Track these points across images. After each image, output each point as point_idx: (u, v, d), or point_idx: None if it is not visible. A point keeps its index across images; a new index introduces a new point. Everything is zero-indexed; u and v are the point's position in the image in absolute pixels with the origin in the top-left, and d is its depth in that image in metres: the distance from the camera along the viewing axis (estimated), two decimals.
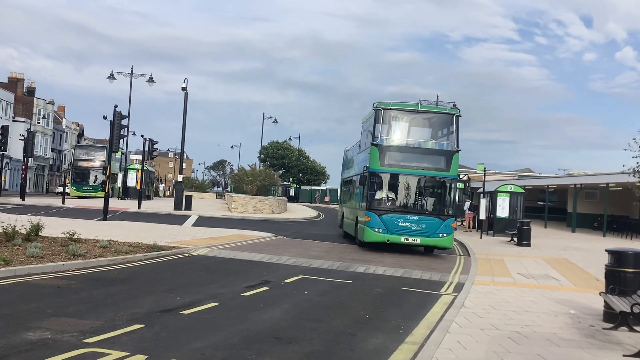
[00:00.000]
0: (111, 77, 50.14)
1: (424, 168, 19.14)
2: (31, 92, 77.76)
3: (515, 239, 25.35)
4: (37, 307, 8.49)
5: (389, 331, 8.55)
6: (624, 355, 7.37)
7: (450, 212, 19.15)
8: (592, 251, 23.24)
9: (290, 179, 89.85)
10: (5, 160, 47.74)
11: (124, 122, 26.55)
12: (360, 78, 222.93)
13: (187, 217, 31.86)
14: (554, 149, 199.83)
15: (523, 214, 30.00)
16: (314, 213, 47.08)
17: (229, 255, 16.14)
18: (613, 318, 8.89)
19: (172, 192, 75.18)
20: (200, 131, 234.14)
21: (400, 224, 18.62)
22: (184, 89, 37.30)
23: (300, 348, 7.31)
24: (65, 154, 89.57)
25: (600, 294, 9.68)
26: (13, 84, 73.76)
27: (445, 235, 18.75)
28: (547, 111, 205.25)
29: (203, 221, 29.06)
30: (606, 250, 9.79)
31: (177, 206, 36.46)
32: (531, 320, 9.39)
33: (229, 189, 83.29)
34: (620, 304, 8.50)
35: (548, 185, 44.52)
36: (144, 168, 43.87)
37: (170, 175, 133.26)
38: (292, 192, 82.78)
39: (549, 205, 44.31)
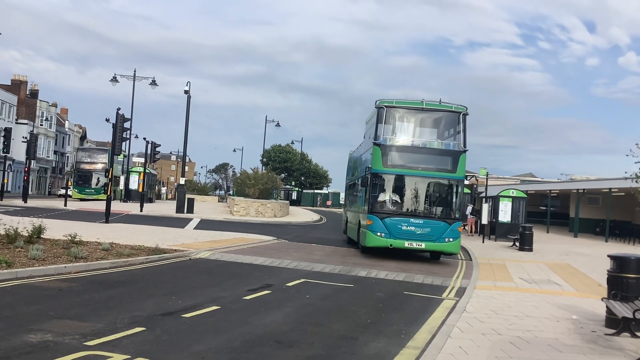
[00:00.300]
0: (114, 80, 50.29)
1: (429, 169, 18.20)
2: (34, 94, 77.99)
3: (517, 243, 25.31)
4: (39, 310, 8.49)
5: (390, 335, 8.54)
6: None
7: (457, 215, 18.27)
8: (594, 256, 23.20)
9: (293, 183, 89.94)
10: (7, 163, 47.84)
11: (127, 125, 26.66)
12: (363, 82, 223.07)
13: (189, 220, 31.88)
14: (556, 153, 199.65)
15: (525, 219, 29.96)
16: (316, 217, 47.07)
17: (231, 258, 16.14)
18: (615, 324, 8.87)
19: (174, 195, 75.30)
20: (202, 134, 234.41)
21: (404, 227, 17.74)
22: (186, 92, 37.36)
23: (302, 352, 7.30)
24: (67, 157, 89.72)
25: (602, 299, 9.66)
26: (16, 86, 73.98)
27: (451, 240, 17.87)
28: (550, 116, 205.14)
29: (205, 224, 29.08)
30: (608, 256, 9.77)
31: (179, 209, 36.49)
32: (533, 325, 9.37)
33: (231, 192, 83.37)
34: (623, 310, 8.48)
35: (550, 190, 44.48)
36: (146, 171, 43.88)
37: (172, 178, 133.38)
38: (294, 196, 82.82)
39: (551, 210, 44.23)
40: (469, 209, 35.69)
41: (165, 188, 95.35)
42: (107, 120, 58.08)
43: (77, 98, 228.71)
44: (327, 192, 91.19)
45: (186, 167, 41.56)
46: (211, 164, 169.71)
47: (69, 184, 51.03)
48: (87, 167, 52.87)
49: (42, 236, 15.36)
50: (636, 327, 8.05)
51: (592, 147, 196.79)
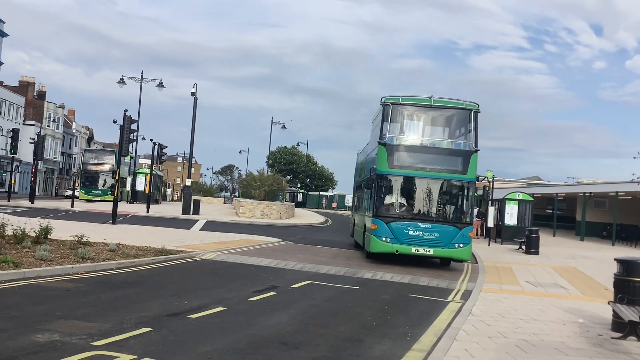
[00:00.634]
0: (121, 81, 50.49)
1: (437, 170, 17.09)
2: (42, 95, 78.34)
3: (523, 247, 25.25)
4: (46, 310, 8.54)
5: (395, 338, 8.54)
6: None
7: (467, 219, 17.20)
8: (600, 260, 23.12)
9: (298, 185, 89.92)
10: (15, 163, 48.05)
11: (134, 126, 26.72)
12: (368, 84, 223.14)
13: (195, 221, 31.95)
14: (563, 157, 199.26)
15: (532, 222, 29.89)
16: (321, 219, 47.08)
17: (237, 260, 16.17)
18: (622, 327, 8.85)
19: (180, 196, 75.46)
20: (208, 136, 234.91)
21: (411, 232, 16.68)
22: (193, 94, 37.46)
23: (307, 354, 7.32)
24: (74, 158, 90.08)
25: (608, 303, 9.63)
26: (24, 87, 74.29)
27: (462, 245, 16.74)
28: (557, 119, 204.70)
29: (211, 226, 29.13)
30: (615, 259, 9.75)
31: (185, 210, 36.57)
32: (539, 328, 9.35)
33: (236, 193, 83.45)
34: (629, 314, 8.46)
35: (557, 194, 44.34)
36: (153, 172, 44.01)
37: (178, 180, 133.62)
38: (299, 198, 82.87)
39: (557, 214, 44.12)
40: (475, 211, 35.63)
41: (171, 189, 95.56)
42: (115, 121, 58.17)
43: (84, 99, 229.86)
44: (332, 194, 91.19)
45: (192, 169, 41.62)
46: (217, 166, 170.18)
47: (76, 185, 51.20)
48: (93, 168, 53.06)
49: (49, 237, 15.43)
50: None
51: (599, 151, 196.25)
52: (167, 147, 41.62)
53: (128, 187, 53.67)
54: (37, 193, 47.45)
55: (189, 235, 22.20)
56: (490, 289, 13.42)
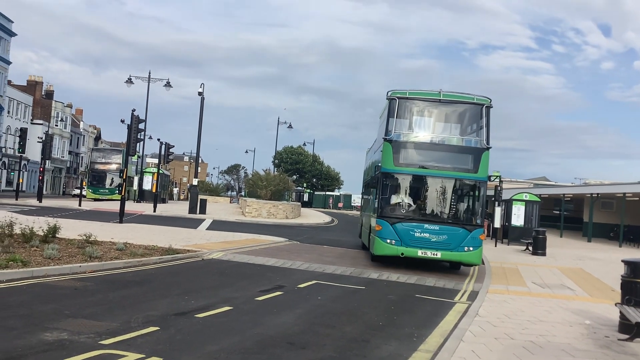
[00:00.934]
0: (129, 81, 50.65)
1: (446, 168, 16.12)
2: (49, 95, 78.71)
3: (530, 247, 25.19)
4: (54, 308, 8.59)
5: (402, 338, 8.55)
6: None
7: (478, 221, 16.11)
8: (607, 261, 23.04)
9: (304, 184, 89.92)
10: (23, 162, 48.27)
11: (141, 126, 26.81)
12: (374, 84, 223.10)
13: (201, 220, 32.02)
14: (570, 157, 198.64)
15: (538, 223, 29.80)
16: (327, 218, 47.08)
17: (243, 259, 16.20)
18: (629, 329, 8.83)
19: (186, 195, 75.61)
20: (215, 135, 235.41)
21: (417, 234, 15.70)
22: (200, 93, 37.53)
23: (314, 354, 7.34)
24: (82, 157, 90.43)
25: (615, 304, 9.61)
26: (32, 87, 74.68)
27: (471, 248, 15.69)
28: (564, 119, 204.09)
29: (217, 225, 29.19)
30: (622, 261, 9.72)
31: (192, 210, 36.65)
32: (546, 330, 9.34)
33: (242, 193, 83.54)
34: (636, 315, 8.44)
35: (564, 194, 44.20)
36: (160, 171, 44.13)
37: (185, 179, 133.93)
38: (305, 198, 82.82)
39: (564, 215, 43.97)
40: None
41: (177, 189, 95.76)
42: (122, 121, 58.45)
43: (91, 99, 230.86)
44: (338, 194, 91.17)
45: (199, 168, 41.71)
46: (223, 165, 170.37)
47: (84, 184, 51.37)
48: (101, 167, 53.25)
49: (57, 236, 15.51)
50: None
51: (606, 151, 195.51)
52: (174, 146, 41.75)
53: (135, 187, 53.85)
54: (44, 192, 47.67)
55: (196, 235, 22.25)
56: (497, 290, 13.40)
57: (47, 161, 48.46)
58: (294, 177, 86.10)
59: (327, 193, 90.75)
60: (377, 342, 8.22)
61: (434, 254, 15.71)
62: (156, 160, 51.97)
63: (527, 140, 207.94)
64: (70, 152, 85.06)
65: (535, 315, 10.60)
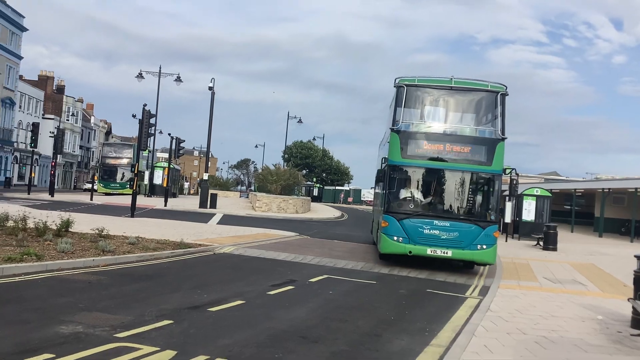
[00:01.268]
0: (140, 76, 50.79)
1: (458, 160, 15.06)
2: (60, 90, 79.06)
3: (541, 243, 25.12)
4: (69, 302, 8.68)
5: (414, 333, 8.57)
6: None
7: (492, 217, 15.05)
8: (619, 256, 22.93)
9: (314, 179, 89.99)
10: (35, 157, 48.59)
11: (152, 121, 26.92)
12: (384, 79, 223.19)
13: (212, 215, 32.14)
14: (581, 152, 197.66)
15: (549, 218, 29.68)
16: (337, 213, 47.12)
17: (254, 253, 16.27)
18: None
19: (196, 190, 75.90)
20: (224, 130, 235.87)
21: (426, 231, 14.74)
22: (211, 88, 37.59)
23: (326, 348, 7.38)
24: (93, 151, 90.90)
25: (628, 300, 9.59)
26: (43, 81, 75.06)
27: (485, 247, 14.66)
28: (575, 114, 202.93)
29: (228, 219, 29.29)
30: (635, 256, 9.68)
31: (203, 204, 36.79)
32: (558, 325, 9.33)
33: (252, 187, 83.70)
34: None
35: (575, 189, 43.98)
36: (171, 166, 44.29)
37: (195, 174, 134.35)
38: (315, 192, 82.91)
39: (575, 210, 43.75)
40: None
41: (188, 183, 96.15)
42: (134, 116, 58.61)
43: (102, 94, 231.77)
44: (348, 188, 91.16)
45: (209, 163, 41.82)
46: (233, 160, 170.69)
47: (95, 178, 51.66)
48: (112, 162, 53.48)
49: (70, 230, 15.63)
50: None
51: (618, 146, 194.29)
52: (184, 141, 41.86)
53: (146, 181, 54.10)
54: (56, 186, 47.94)
55: (207, 229, 22.35)
56: (508, 285, 13.39)
57: (59, 156, 48.75)
58: (304, 171, 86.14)
59: (337, 188, 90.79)
60: (389, 337, 8.25)
61: (444, 253, 14.72)
62: (166, 155, 52.15)
63: (538, 135, 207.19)
64: (81, 147, 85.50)
65: (547, 310, 10.58)
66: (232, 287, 11.12)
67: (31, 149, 42.65)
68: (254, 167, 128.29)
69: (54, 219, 15.98)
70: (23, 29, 63.04)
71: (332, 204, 74.02)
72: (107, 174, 52.95)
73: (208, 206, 36.69)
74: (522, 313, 10.14)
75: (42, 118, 69.59)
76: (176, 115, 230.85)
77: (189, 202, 43.51)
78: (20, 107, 64.89)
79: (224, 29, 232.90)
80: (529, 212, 30.17)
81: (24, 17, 62.79)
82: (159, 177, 51.77)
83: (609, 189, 38.70)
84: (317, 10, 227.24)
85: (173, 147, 41.47)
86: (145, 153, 47.26)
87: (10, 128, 61.44)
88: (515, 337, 8.25)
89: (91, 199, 37.31)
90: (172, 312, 8.48)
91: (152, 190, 51.68)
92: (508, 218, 30.09)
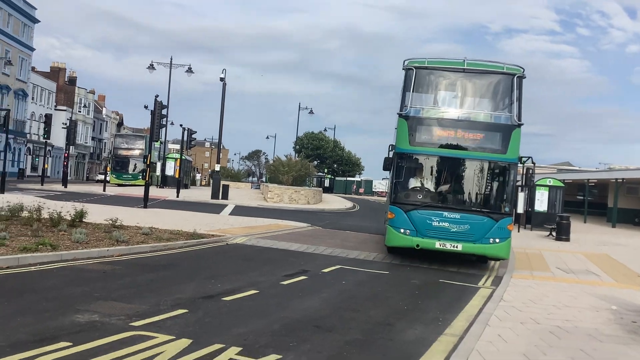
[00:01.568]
0: (151, 67, 50.86)
1: (470, 148, 14.17)
2: (72, 81, 79.45)
3: (553, 233, 25.01)
4: (84, 291, 8.75)
5: (427, 323, 8.58)
6: None
7: (506, 209, 14.08)
8: (633, 247, 22.81)
9: (325, 170, 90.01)
10: (47, 148, 48.91)
11: (164, 112, 27.00)
12: (396, 70, 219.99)
13: (224, 206, 32.25)
14: (594, 142, 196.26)
15: (562, 209, 29.54)
16: (349, 204, 47.11)
17: (267, 244, 16.32)
18: None
19: (208, 181, 76.10)
20: (236, 121, 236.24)
21: (435, 223, 13.93)
22: (222, 79, 37.60)
23: (340, 337, 7.40)
24: (105, 143, 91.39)
25: None
26: (55, 73, 75.46)
27: (498, 240, 13.78)
28: (588, 104, 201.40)
29: (240, 210, 29.38)
30: None
31: (214, 195, 36.91)
32: (572, 315, 9.30)
33: (263, 179, 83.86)
34: None
35: (588, 180, 43.68)
36: (182, 157, 44.43)
37: (206, 165, 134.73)
38: (326, 183, 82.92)
39: (588, 200, 43.50)
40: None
41: (199, 174, 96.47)
42: (146, 107, 59.04)
43: (113, 85, 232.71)
44: (359, 179, 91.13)
45: (220, 154, 41.91)
46: (244, 151, 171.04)
47: (107, 169, 51.92)
48: (124, 153, 53.73)
49: (84, 220, 15.74)
50: None
51: (632, 136, 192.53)
52: (196, 132, 41.96)
53: (158, 172, 54.32)
54: (69, 177, 48.27)
55: (219, 220, 22.44)
56: (521, 276, 13.36)
57: (71, 147, 49.07)
58: (315, 162, 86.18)
59: (348, 179, 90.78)
60: (402, 326, 8.26)
61: (453, 247, 13.88)
62: (178, 146, 52.32)
63: (551, 125, 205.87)
64: (93, 138, 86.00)
65: (560, 300, 10.55)
66: (245, 277, 11.16)
67: (44, 140, 42.91)
68: (265, 158, 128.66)
69: (67, 209, 16.09)
70: (35, 21, 63.33)
71: (344, 195, 74.02)
72: (120, 165, 53.21)
73: (220, 197, 36.80)
74: (535, 303, 10.11)
75: (55, 109, 70.02)
76: (187, 106, 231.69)
77: (201, 193, 43.67)
78: (32, 98, 65.31)
79: (234, 20, 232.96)
80: (541, 203, 30.04)
81: (35, 8, 63.08)
82: (170, 168, 51.97)
83: (623, 179, 38.41)
84: (328, 0, 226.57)
85: (185, 138, 41.60)
86: (157, 144, 47.38)
87: (23, 119, 61.88)
88: (529, 327, 8.23)
89: (104, 190, 37.56)
90: (187, 302, 8.54)
91: (164, 181, 51.90)
92: (520, 208, 30.05)
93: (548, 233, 26.42)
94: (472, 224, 13.89)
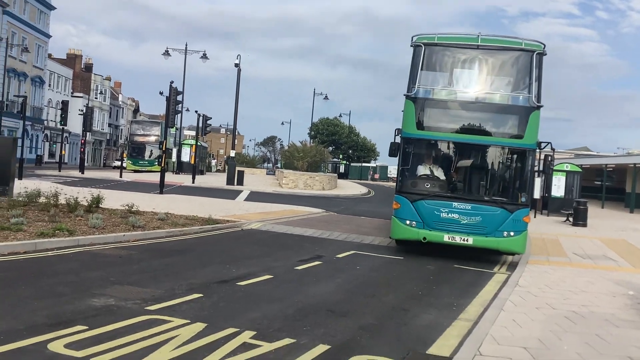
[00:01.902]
0: (166, 53, 50.97)
1: (484, 133, 13.13)
2: (89, 68, 79.85)
3: (570, 218, 24.80)
4: (101, 275, 8.84)
5: (441, 308, 8.56)
6: None
7: (523, 199, 12.89)
8: None
9: (340, 156, 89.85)
10: (64, 135, 49.30)
11: (179, 98, 27.06)
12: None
13: (239, 192, 32.36)
14: (613, 127, 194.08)
15: (579, 194, 29.26)
16: (364, 190, 47.06)
17: (281, 229, 16.35)
18: None
19: (223, 167, 76.40)
20: (251, 107, 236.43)
21: (444, 215, 12.83)
22: (237, 65, 37.60)
23: (354, 321, 7.41)
24: (121, 129, 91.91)
25: None
26: (72, 60, 75.86)
27: (512, 233, 12.64)
28: (607, 88, 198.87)
29: (255, 196, 29.46)
30: None
31: (230, 181, 37.05)
32: (588, 300, 9.23)
33: (279, 164, 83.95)
34: None
35: (606, 165, 43.19)
36: (198, 143, 44.58)
37: (221, 151, 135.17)
38: (341, 169, 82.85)
39: (606, 185, 43.03)
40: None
41: (215, 160, 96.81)
42: (161, 93, 59.22)
43: (129, 72, 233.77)
44: (374, 165, 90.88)
45: (235, 140, 41.99)
46: (259, 137, 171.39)
47: (124, 156, 52.25)
48: (140, 139, 54.02)
49: (100, 206, 15.86)
50: None
51: None
52: (211, 118, 42.04)
53: (174, 158, 54.60)
54: (86, 164, 48.65)
55: (234, 205, 22.52)
56: (537, 261, 13.27)
57: (88, 133, 49.40)
58: (330, 148, 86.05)
59: (363, 164, 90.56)
60: (416, 311, 8.25)
61: (464, 240, 12.81)
62: (194, 133, 52.51)
63: (568, 109, 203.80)
64: (110, 125, 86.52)
65: (576, 285, 10.48)
66: (260, 262, 11.21)
67: (61, 127, 43.26)
68: (281, 144, 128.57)
69: (84, 195, 16.23)
70: (51, 8, 63.59)
71: (359, 181, 73.91)
72: (136, 151, 53.54)
73: (235, 183, 36.93)
74: (551, 288, 10.05)
75: (71, 96, 70.42)
76: (203, 93, 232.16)
77: (216, 179, 43.85)
78: (49, 85, 65.77)
79: (249, 5, 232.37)
80: (558, 188, 29.77)
81: None
82: (186, 155, 52.23)
83: None
84: None
85: (200, 124, 41.69)
86: (172, 130, 47.62)
87: (40, 106, 62.37)
88: (545, 312, 8.18)
89: (120, 176, 37.83)
90: (202, 286, 8.59)
91: (180, 167, 52.17)
92: (537, 194, 29.82)
93: (565, 219, 26.21)
94: (484, 215, 12.79)
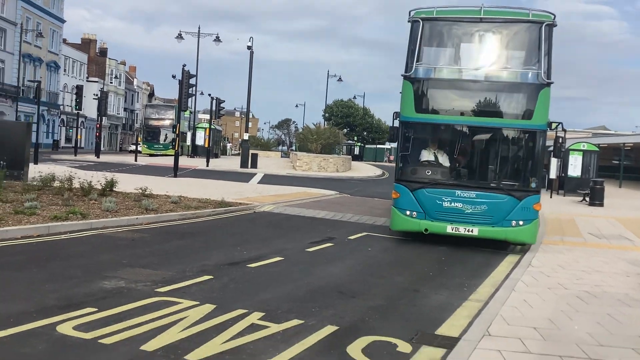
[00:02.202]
0: (179, 37, 50.89)
1: (489, 114, 12.12)
2: (103, 52, 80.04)
3: (587, 198, 24.55)
4: (112, 258, 8.90)
5: (452, 288, 8.53)
6: None
7: (533, 185, 11.87)
8: None
9: (355, 138, 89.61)
10: (80, 119, 49.61)
11: (192, 81, 27.05)
12: None
13: (252, 174, 32.40)
14: (632, 105, 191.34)
15: (597, 173, 28.93)
16: (378, 171, 46.91)
17: (294, 212, 16.36)
18: None
19: (238, 150, 76.59)
20: (265, 90, 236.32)
21: (446, 204, 11.95)
22: (249, 47, 37.49)
23: (364, 302, 7.40)
24: (136, 113, 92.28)
25: None
26: (86, 44, 76.08)
27: (522, 223, 11.70)
28: (626, 66, 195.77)
29: (268, 179, 29.49)
30: None
31: (243, 164, 37.11)
32: (602, 280, 9.14)
33: (293, 147, 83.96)
34: None
35: (624, 144, 42.64)
36: (212, 127, 44.65)
37: (236, 134, 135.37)
38: (356, 151, 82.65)
39: (624, 165, 42.52)
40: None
41: (230, 144, 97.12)
42: (174, 76, 59.12)
43: (144, 56, 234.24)
44: (389, 147, 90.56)
45: (249, 123, 42.03)
46: (274, 120, 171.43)
47: (139, 140, 52.49)
48: (155, 123, 54.19)
49: (114, 189, 15.96)
50: None
51: None
52: (224, 101, 42.02)
53: (188, 142, 54.76)
54: (102, 148, 49.02)
55: (248, 188, 22.56)
56: (552, 241, 13.16)
57: (104, 118, 49.66)
58: (345, 130, 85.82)
59: (378, 146, 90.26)
60: (426, 292, 8.23)
61: (468, 231, 11.91)
62: (207, 116, 52.58)
63: (586, 88, 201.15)
64: (125, 109, 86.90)
65: (590, 265, 10.38)
66: (271, 244, 11.22)
67: (76, 112, 43.49)
68: (295, 127, 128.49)
69: (98, 179, 16.32)
70: None
71: (374, 163, 73.70)
72: (151, 135, 53.74)
73: (249, 166, 36.99)
74: (564, 268, 9.96)
75: (86, 81, 70.73)
76: (217, 76, 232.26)
77: (231, 163, 43.94)
78: (64, 70, 66.08)
79: None
80: (574, 168, 29.42)
81: None
82: (200, 138, 52.30)
83: None
84: None
85: (213, 108, 41.71)
86: (186, 114, 47.70)
87: (56, 91, 62.77)
88: (557, 292, 8.12)
89: (135, 160, 38.03)
90: (213, 268, 8.62)
91: (195, 150, 52.31)
92: (553, 174, 29.54)
93: (581, 198, 25.95)
94: (490, 203, 11.83)
